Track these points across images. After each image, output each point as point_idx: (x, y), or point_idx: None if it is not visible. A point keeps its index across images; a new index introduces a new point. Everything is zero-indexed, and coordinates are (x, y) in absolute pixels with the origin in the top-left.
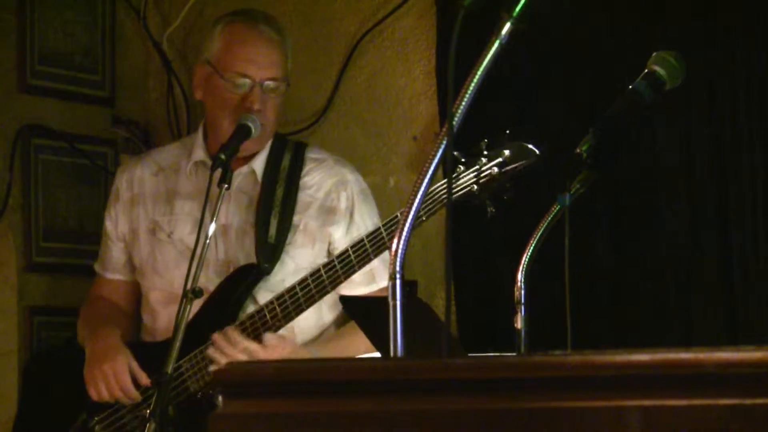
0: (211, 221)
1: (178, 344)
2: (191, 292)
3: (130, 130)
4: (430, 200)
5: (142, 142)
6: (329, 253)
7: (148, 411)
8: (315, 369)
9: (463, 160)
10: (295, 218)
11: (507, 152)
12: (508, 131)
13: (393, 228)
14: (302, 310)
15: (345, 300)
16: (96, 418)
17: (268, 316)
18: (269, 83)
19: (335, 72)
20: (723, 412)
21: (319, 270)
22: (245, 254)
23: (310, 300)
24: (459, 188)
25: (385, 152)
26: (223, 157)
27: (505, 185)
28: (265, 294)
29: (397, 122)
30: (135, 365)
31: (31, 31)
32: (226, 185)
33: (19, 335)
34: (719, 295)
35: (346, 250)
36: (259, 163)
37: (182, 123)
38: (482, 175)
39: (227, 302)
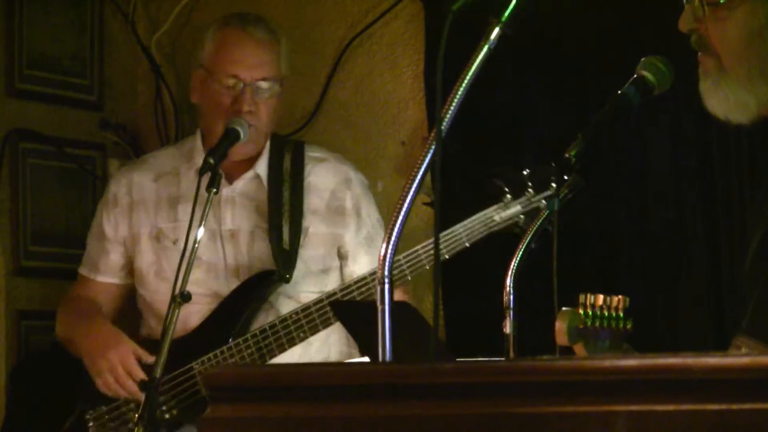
0: (200, 225)
1: (166, 348)
2: (179, 297)
3: (118, 134)
4: (480, 224)
5: (130, 147)
6: (340, 253)
7: (137, 415)
8: (304, 373)
9: (507, 188)
10: (304, 222)
11: (555, 186)
12: (553, 164)
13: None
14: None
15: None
16: (91, 413)
17: (292, 327)
18: (261, 83)
19: (324, 76)
20: (711, 418)
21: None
22: (256, 259)
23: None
24: (506, 219)
25: (373, 156)
26: (211, 161)
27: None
28: (279, 298)
29: (386, 127)
30: (138, 348)
31: (19, 35)
32: (214, 190)
33: (6, 339)
34: (707, 301)
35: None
36: (262, 167)
37: (170, 127)
38: (530, 207)
39: (243, 306)
